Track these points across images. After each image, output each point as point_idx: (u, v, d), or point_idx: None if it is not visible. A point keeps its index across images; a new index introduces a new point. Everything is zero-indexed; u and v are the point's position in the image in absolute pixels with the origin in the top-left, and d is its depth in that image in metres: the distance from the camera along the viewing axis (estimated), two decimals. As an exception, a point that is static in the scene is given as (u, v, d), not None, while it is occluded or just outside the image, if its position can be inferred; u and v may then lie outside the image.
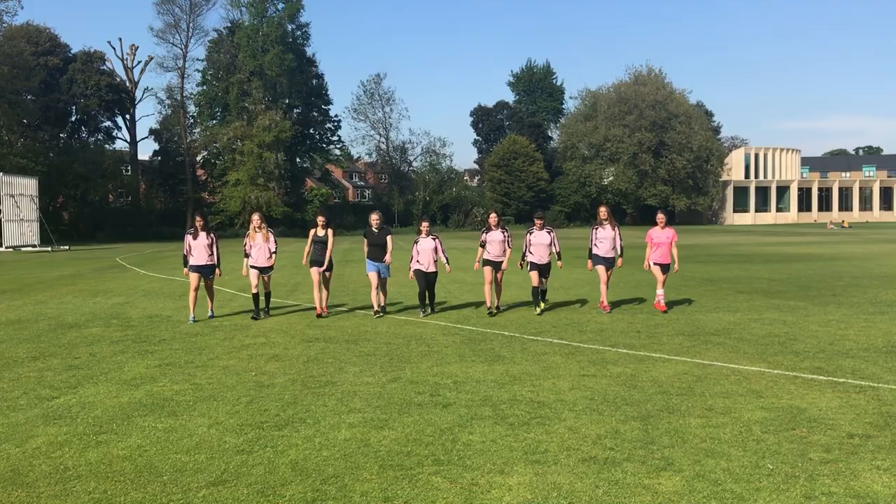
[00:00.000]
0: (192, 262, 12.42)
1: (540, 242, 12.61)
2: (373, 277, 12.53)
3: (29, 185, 45.14)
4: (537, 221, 12.93)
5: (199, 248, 12.41)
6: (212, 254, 12.50)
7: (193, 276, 12.39)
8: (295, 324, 11.81)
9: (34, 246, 43.66)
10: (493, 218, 12.95)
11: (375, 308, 12.52)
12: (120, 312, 13.53)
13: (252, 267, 12.46)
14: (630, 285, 16.34)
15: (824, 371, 7.79)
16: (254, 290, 12.36)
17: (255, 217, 12.74)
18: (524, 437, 5.69)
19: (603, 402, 6.72)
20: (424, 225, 13.01)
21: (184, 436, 5.88)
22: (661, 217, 12.88)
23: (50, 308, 14.39)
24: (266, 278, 12.57)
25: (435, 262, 12.68)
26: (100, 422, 6.34)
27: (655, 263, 12.76)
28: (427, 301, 12.70)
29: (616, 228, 12.74)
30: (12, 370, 8.53)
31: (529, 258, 12.71)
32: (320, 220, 12.80)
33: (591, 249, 12.81)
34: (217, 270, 12.71)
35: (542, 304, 12.62)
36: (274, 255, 12.61)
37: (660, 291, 12.63)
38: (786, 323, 11.04)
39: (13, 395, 7.30)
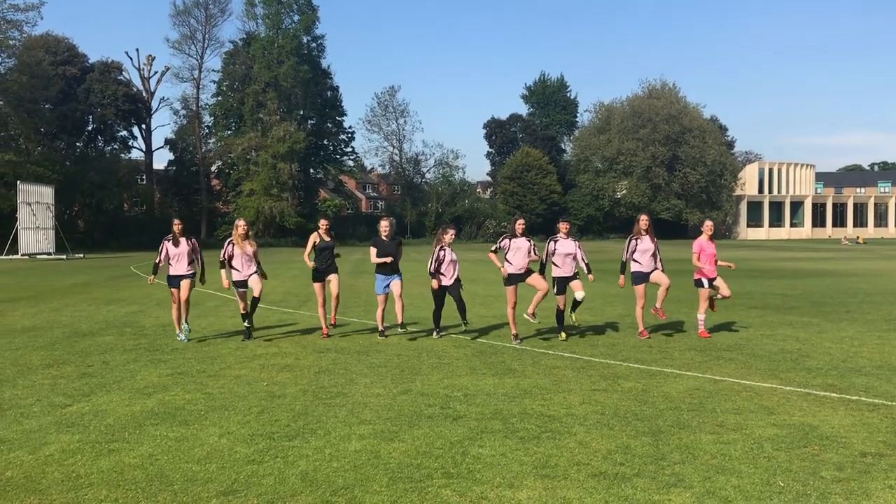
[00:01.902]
0: (172, 271, 11.23)
1: (567, 252, 10.93)
2: (381, 301, 11.27)
3: (45, 194, 45.56)
4: (563, 227, 11.13)
5: (179, 256, 11.19)
6: (193, 261, 11.29)
7: (175, 291, 11.18)
8: (306, 334, 11.84)
9: (49, 254, 44.02)
10: (520, 225, 11.02)
11: (380, 327, 11.24)
12: (133, 321, 13.61)
13: (238, 283, 11.10)
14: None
15: (837, 388, 7.74)
16: (242, 310, 11.22)
17: (241, 224, 11.33)
18: (534, 452, 5.68)
19: (614, 416, 6.70)
20: (450, 232, 11.38)
21: (195, 445, 5.91)
22: (709, 225, 11.51)
23: (64, 316, 14.49)
24: (254, 279, 11.14)
25: (458, 274, 11.30)
26: (112, 430, 6.38)
27: (708, 279, 11.27)
28: (444, 320, 11.52)
29: (656, 241, 11.22)
30: (26, 377, 8.60)
31: (555, 273, 10.99)
32: (323, 223, 11.65)
33: (623, 263, 11.22)
34: (200, 281, 11.47)
35: (573, 318, 11.24)
36: (258, 265, 11.26)
37: (701, 317, 11.33)
38: (798, 339, 10.98)
39: (27, 403, 7.36)
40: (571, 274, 11.00)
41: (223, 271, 11.05)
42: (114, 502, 4.71)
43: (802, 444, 5.86)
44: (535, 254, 10.89)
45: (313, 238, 11.52)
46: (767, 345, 10.55)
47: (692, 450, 5.71)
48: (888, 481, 4.99)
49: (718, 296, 11.54)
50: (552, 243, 11.00)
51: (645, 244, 11.09)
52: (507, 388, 7.88)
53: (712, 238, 11.53)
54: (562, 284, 10.97)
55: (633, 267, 11.11)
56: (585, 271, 11.14)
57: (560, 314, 11.11)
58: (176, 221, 11.32)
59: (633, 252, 11.11)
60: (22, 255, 42.02)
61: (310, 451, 5.74)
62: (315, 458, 5.57)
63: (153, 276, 11.56)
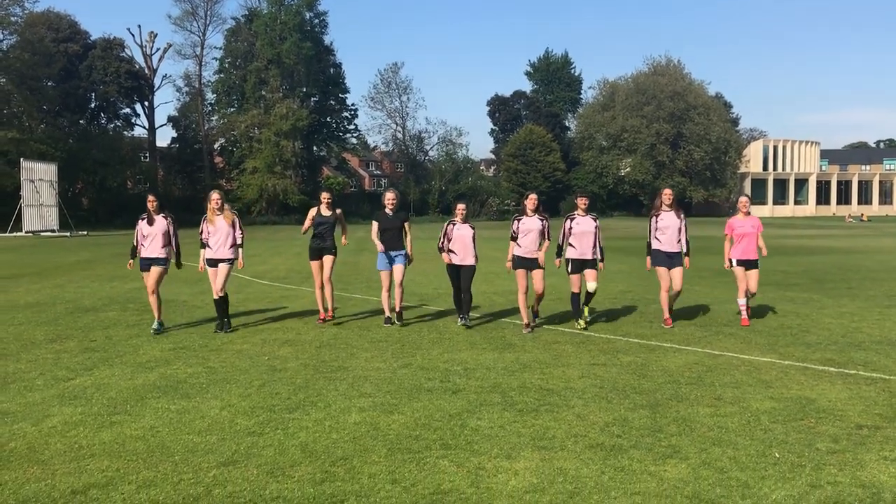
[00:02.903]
0: (144, 253, 10.04)
1: (585, 231, 9.90)
2: (384, 277, 10.32)
3: (48, 171, 45.55)
4: (581, 203, 10.09)
5: (153, 236, 9.99)
6: (168, 243, 10.09)
7: (147, 275, 10.07)
8: (308, 310, 11.88)
9: (53, 231, 44.11)
10: (531, 200, 9.93)
11: (387, 313, 10.31)
12: (136, 297, 13.67)
13: (210, 262, 9.98)
14: (641, 277, 16.27)
15: (835, 363, 7.77)
16: (218, 294, 9.92)
17: (214, 196, 10.13)
18: (532, 424, 5.73)
19: (612, 390, 6.74)
20: (459, 207, 10.43)
21: (196, 417, 5.97)
22: (744, 201, 10.51)
23: (67, 292, 14.56)
24: (226, 269, 9.98)
25: (472, 255, 10.21)
26: (114, 403, 6.44)
27: (739, 261, 10.29)
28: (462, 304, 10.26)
29: (683, 217, 10.15)
30: (30, 352, 8.66)
31: (571, 254, 10.01)
32: (325, 197, 10.50)
33: (649, 244, 10.18)
34: (176, 265, 10.31)
35: (586, 314, 10.15)
36: (240, 250, 10.18)
37: (741, 301, 10.23)
38: (799, 315, 10.99)
39: (30, 376, 7.42)
40: (590, 257, 9.94)
41: (202, 251, 10.04)
42: (115, 472, 4.77)
43: (799, 416, 5.89)
44: (547, 237, 9.92)
45: (312, 213, 10.53)
46: (768, 320, 10.57)
47: (689, 422, 5.75)
48: (883, 452, 5.03)
49: (744, 313, 10.27)
50: (569, 221, 10.06)
51: (666, 221, 10.07)
52: (507, 363, 7.92)
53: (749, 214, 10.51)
54: (576, 266, 9.97)
55: (654, 245, 10.12)
56: (598, 257, 10.03)
57: (575, 298, 10.06)
58: (150, 197, 10.16)
59: (656, 230, 10.13)
60: (26, 232, 42.12)
61: (310, 423, 5.79)
62: (315, 429, 5.62)
63: (132, 261, 10.32)
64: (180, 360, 8.14)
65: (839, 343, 8.85)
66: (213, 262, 9.97)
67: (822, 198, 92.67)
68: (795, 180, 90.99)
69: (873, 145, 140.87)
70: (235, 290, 14.16)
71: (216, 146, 70.88)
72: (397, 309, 10.38)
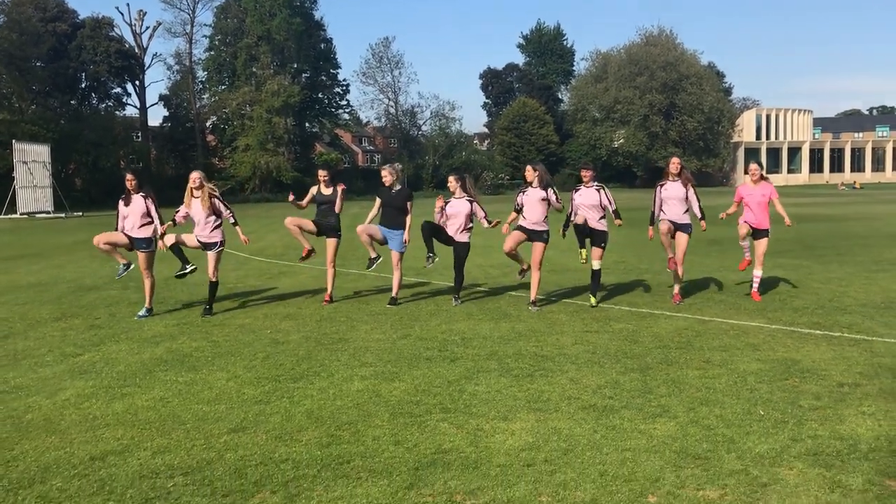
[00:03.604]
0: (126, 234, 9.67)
1: (587, 203, 9.56)
2: (372, 230, 10.00)
3: (41, 152, 45.40)
4: (584, 174, 9.79)
5: (132, 215, 9.55)
6: (150, 222, 9.61)
7: (139, 257, 9.70)
8: (308, 285, 12.08)
9: (48, 212, 44.08)
10: (531, 171, 9.72)
11: (372, 254, 10.23)
12: (136, 275, 13.73)
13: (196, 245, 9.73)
14: (635, 246, 16.50)
15: (821, 326, 8.02)
16: (212, 279, 9.72)
17: (194, 176, 9.59)
18: (527, 388, 5.97)
19: (604, 355, 6.98)
20: (449, 180, 10.22)
21: (204, 388, 6.19)
22: (755, 168, 10.19)
23: (68, 272, 14.72)
24: (211, 255, 9.67)
25: (468, 230, 9.95)
26: (123, 376, 6.65)
27: (748, 225, 10.02)
28: (434, 250, 10.01)
29: (691, 187, 9.76)
30: (37, 330, 8.86)
31: (576, 222, 9.64)
32: (322, 174, 10.19)
33: (653, 213, 9.95)
34: (160, 243, 9.67)
35: (593, 302, 9.65)
36: (238, 227, 9.97)
37: (757, 273, 9.93)
38: (788, 280, 11.24)
39: (40, 353, 7.63)
40: (597, 228, 9.57)
41: (166, 224, 9.59)
42: (130, 440, 4.99)
43: (784, 377, 6.14)
44: (556, 202, 9.57)
45: (312, 190, 10.34)
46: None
47: (678, 384, 5.99)
48: (861, 408, 5.28)
49: (746, 253, 10.21)
50: (574, 193, 9.78)
51: (671, 191, 9.70)
52: (503, 332, 8.15)
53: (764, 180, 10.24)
54: (582, 238, 9.64)
55: (661, 216, 9.83)
56: (614, 217, 9.70)
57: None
58: (128, 176, 9.64)
59: (661, 201, 9.81)
60: (21, 214, 42.09)
61: (314, 391, 6.02)
62: (319, 397, 5.85)
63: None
64: (185, 335, 8.34)
65: (826, 307, 9.10)
66: (199, 247, 9.72)
67: (816, 166, 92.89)
68: (788, 149, 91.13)
69: (866, 112, 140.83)
70: (233, 268, 14.36)
71: (208, 124, 70.59)
72: (394, 292, 10.08)
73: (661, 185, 9.85)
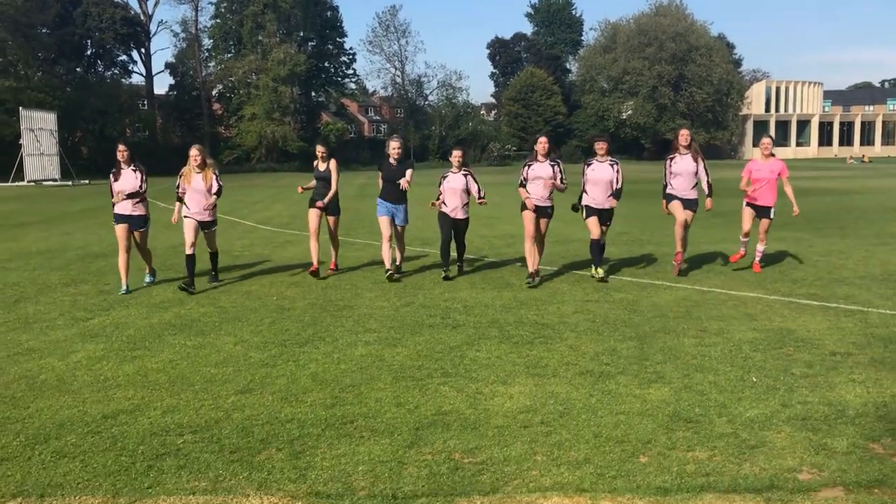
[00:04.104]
0: (117, 209, 9.27)
1: (601, 178, 9.26)
2: (384, 224, 9.73)
3: (48, 120, 45.44)
4: (599, 147, 9.44)
5: (123, 188, 9.22)
6: (142, 199, 9.36)
7: (119, 231, 9.27)
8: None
9: (55, 180, 44.24)
10: (541, 144, 9.32)
11: (388, 265, 9.63)
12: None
13: (187, 217, 9.25)
14: (638, 218, 16.57)
15: (818, 297, 8.13)
16: (188, 250, 9.12)
17: (193, 152, 9.22)
18: (527, 354, 6.11)
19: (603, 324, 7.12)
20: (454, 154, 9.89)
21: (212, 352, 6.35)
22: (766, 143, 9.99)
23: (76, 239, 14.89)
24: (209, 234, 9.52)
25: (465, 206, 9.72)
26: (133, 339, 6.83)
27: (750, 205, 9.77)
28: (452, 258, 9.89)
29: (701, 160, 9.44)
30: (47, 295, 9.04)
31: (586, 200, 9.42)
32: (320, 150, 10.01)
33: (665, 186, 9.70)
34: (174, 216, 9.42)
35: (602, 268, 9.38)
36: (215, 198, 9.26)
37: (760, 247, 9.81)
38: (789, 253, 11.33)
39: (51, 317, 7.80)
40: (606, 206, 9.34)
41: (177, 204, 9.34)
42: (140, 400, 5.16)
43: (779, 346, 6.27)
44: (560, 182, 9.23)
45: (315, 166, 10.13)
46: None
47: (675, 351, 6.13)
48: (851, 375, 5.41)
49: (742, 248, 9.95)
50: (586, 168, 9.46)
51: (680, 165, 9.42)
52: (505, 300, 8.29)
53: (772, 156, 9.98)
54: (593, 214, 9.36)
55: (669, 190, 9.61)
56: (616, 196, 9.34)
57: (595, 245, 9.41)
58: (120, 147, 9.33)
59: (670, 174, 9.55)
60: (28, 181, 42.27)
61: (319, 355, 6.18)
62: (324, 361, 6.01)
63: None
64: (192, 301, 8.51)
65: (824, 279, 9.20)
66: (191, 219, 9.23)
67: (825, 139, 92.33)
68: (798, 122, 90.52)
69: (878, 85, 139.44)
70: (239, 237, 14.51)
71: (214, 93, 70.41)
72: (398, 261, 10.11)
73: (671, 159, 9.52)
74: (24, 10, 52.01)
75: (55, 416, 4.87)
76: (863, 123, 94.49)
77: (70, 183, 43.05)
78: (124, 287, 9.16)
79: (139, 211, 9.37)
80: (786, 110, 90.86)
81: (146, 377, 5.69)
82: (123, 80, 67.00)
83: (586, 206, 9.42)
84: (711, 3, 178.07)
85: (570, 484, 3.80)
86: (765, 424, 4.54)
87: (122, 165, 9.27)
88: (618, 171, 9.30)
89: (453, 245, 9.93)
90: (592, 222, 9.33)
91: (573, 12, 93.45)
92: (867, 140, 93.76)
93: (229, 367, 5.89)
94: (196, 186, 9.15)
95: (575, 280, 9.49)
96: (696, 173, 9.41)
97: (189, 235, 9.14)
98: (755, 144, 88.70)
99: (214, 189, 9.20)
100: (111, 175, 9.40)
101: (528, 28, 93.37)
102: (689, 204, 9.45)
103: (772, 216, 9.79)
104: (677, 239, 9.53)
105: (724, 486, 3.76)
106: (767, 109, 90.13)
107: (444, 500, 3.66)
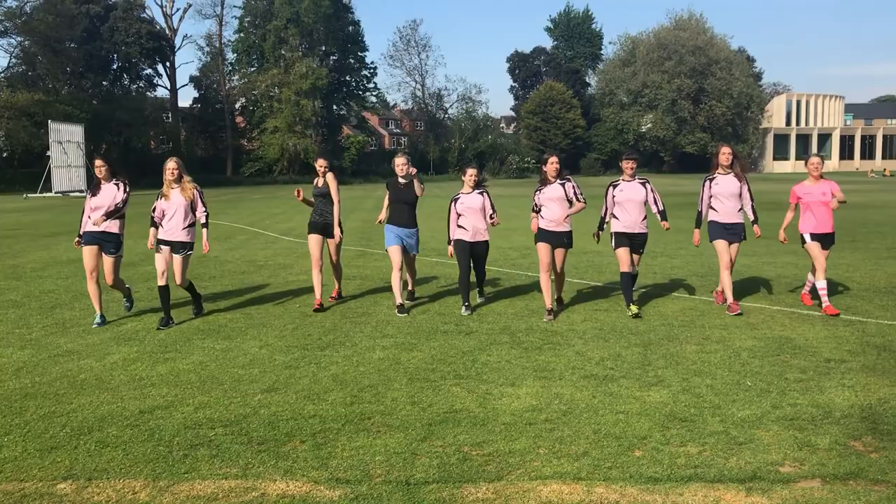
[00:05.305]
0: (90, 226, 8.15)
1: (633, 199, 8.25)
2: (395, 254, 8.60)
3: (76, 133, 46.50)
4: (627, 166, 8.37)
5: (102, 205, 8.09)
6: (120, 216, 8.22)
7: (88, 253, 8.13)
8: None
9: (82, 191, 45.10)
10: (552, 166, 8.23)
11: (398, 300, 8.51)
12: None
13: (162, 242, 8.08)
14: (654, 232, 16.76)
15: (820, 308, 8.39)
16: (161, 281, 8.04)
17: (170, 164, 8.19)
18: (535, 359, 6.46)
19: (610, 331, 7.45)
20: (469, 172, 8.72)
21: (239, 354, 6.76)
22: (816, 162, 8.51)
23: (106, 248, 15.38)
24: (181, 260, 8.13)
25: (485, 229, 8.67)
26: (164, 343, 7.25)
27: (814, 235, 8.43)
28: (472, 286, 8.96)
29: (746, 182, 8.37)
30: (81, 301, 9.49)
31: (617, 227, 8.34)
32: (321, 164, 9.05)
33: (700, 213, 8.58)
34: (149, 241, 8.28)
35: (634, 307, 8.14)
36: (205, 231, 8.29)
37: (821, 284, 8.25)
38: (797, 266, 11.59)
39: (86, 322, 8.25)
40: (638, 230, 8.30)
41: (152, 230, 8.18)
42: (174, 397, 5.56)
43: (776, 353, 6.57)
44: (577, 199, 8.24)
45: (315, 182, 9.17)
46: (766, 271, 11.18)
47: (676, 357, 6.45)
48: (843, 381, 5.71)
49: (808, 282, 8.82)
50: (612, 188, 8.43)
51: (725, 185, 8.32)
52: (517, 309, 8.64)
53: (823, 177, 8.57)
54: (625, 242, 8.31)
55: (710, 216, 8.44)
56: (659, 218, 8.40)
57: (626, 278, 8.34)
58: (98, 162, 8.31)
59: (710, 197, 8.43)
60: (55, 192, 43.24)
61: (339, 358, 6.56)
62: (344, 364, 6.39)
63: (79, 238, 8.34)
64: (219, 308, 8.93)
65: (828, 290, 9.43)
66: (165, 244, 8.12)
67: (846, 153, 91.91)
68: (819, 135, 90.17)
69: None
70: (262, 247, 14.95)
71: (237, 106, 71.49)
72: (410, 286, 9.33)
73: (711, 180, 8.43)
74: (53, 25, 53.34)
75: (96, 411, 5.28)
76: (885, 137, 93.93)
77: (96, 194, 43.87)
78: (98, 317, 8.12)
79: (113, 228, 8.16)
80: (807, 124, 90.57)
81: (178, 377, 6.10)
82: (148, 93, 68.25)
83: (616, 233, 8.33)
84: (731, 17, 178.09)
85: (569, 473, 4.14)
86: (755, 424, 4.86)
87: (102, 182, 8.22)
88: (653, 191, 8.40)
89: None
90: (623, 253, 8.26)
91: (593, 26, 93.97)
92: (889, 154, 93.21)
93: (255, 369, 6.28)
94: (174, 202, 8.09)
95: (587, 292, 9.82)
96: (741, 195, 8.37)
97: (161, 265, 8.06)
98: (775, 158, 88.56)
99: (201, 216, 8.23)
100: (87, 192, 8.44)
101: (547, 42, 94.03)
102: (734, 230, 8.34)
103: (834, 242, 8.75)
104: (726, 288, 8.33)
105: (711, 476, 4.08)
106: (788, 123, 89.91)
107: (453, 486, 4.01)
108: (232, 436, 4.78)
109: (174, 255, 8.12)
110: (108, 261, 8.23)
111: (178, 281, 8.22)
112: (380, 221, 9.12)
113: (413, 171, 8.96)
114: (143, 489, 4.05)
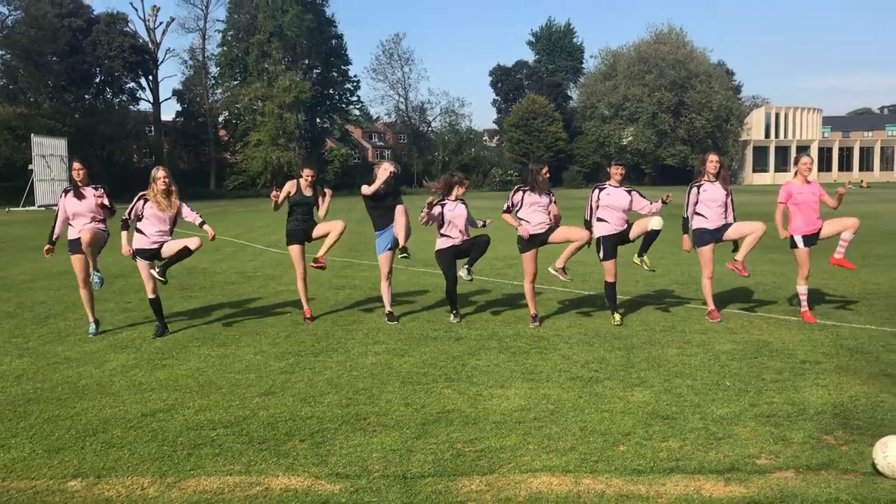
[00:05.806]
0: (74, 234, 8.08)
1: (618, 205, 8.25)
2: (384, 263, 8.70)
3: (59, 146, 46.31)
4: (616, 171, 8.35)
5: (84, 211, 8.00)
6: (104, 218, 8.18)
7: (77, 262, 8.16)
8: (322, 274, 12.78)
9: (64, 205, 45.02)
10: (545, 174, 8.40)
11: (388, 308, 8.71)
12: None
13: (142, 252, 7.96)
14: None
15: (797, 313, 8.69)
16: (150, 294, 8.09)
17: (162, 173, 7.95)
18: (523, 363, 6.69)
19: (595, 336, 7.70)
20: (460, 188, 8.85)
21: (235, 360, 6.94)
22: (807, 161, 8.66)
23: (94, 261, 15.48)
24: (168, 245, 8.01)
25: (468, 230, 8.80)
26: (161, 350, 7.42)
27: (806, 237, 8.68)
28: (457, 307, 8.83)
29: (729, 190, 8.51)
30: (75, 312, 9.62)
31: (602, 230, 8.28)
32: (307, 174, 8.71)
33: (686, 219, 8.57)
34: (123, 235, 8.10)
35: (647, 260, 8.47)
36: (206, 226, 8.21)
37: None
38: (775, 274, 11.92)
39: (82, 331, 8.39)
40: (625, 231, 8.36)
41: (124, 234, 8.04)
42: (174, 401, 5.74)
43: (754, 355, 6.84)
44: (555, 209, 8.43)
45: (288, 188, 8.77)
46: (746, 279, 11.46)
47: (658, 360, 6.70)
48: (817, 381, 5.98)
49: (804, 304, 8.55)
50: (597, 192, 8.36)
51: (712, 192, 8.35)
52: (504, 316, 8.88)
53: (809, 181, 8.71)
54: (610, 245, 8.27)
55: (697, 223, 8.46)
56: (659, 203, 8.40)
57: (610, 288, 8.37)
58: (75, 165, 8.12)
59: (696, 203, 8.44)
60: (38, 206, 43.05)
61: (333, 364, 6.76)
62: (338, 369, 6.59)
63: (50, 246, 8.31)
64: (212, 317, 9.10)
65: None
66: (149, 254, 7.98)
67: (824, 164, 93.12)
68: (797, 147, 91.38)
69: (877, 111, 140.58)
70: (250, 259, 15.11)
71: (220, 119, 71.52)
72: (402, 244, 8.61)
73: (699, 186, 8.40)
74: (35, 38, 53.21)
75: (99, 415, 5.44)
76: (861, 149, 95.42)
77: (79, 208, 43.73)
78: (93, 326, 8.20)
79: (101, 226, 8.18)
80: (785, 136, 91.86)
81: (177, 382, 6.27)
82: (131, 106, 68.12)
83: (602, 237, 8.29)
84: (711, 30, 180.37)
85: (557, 467, 4.37)
86: (733, 420, 5.11)
87: (81, 185, 8.04)
88: (641, 196, 8.50)
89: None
90: (610, 266, 8.28)
91: (574, 40, 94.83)
92: (866, 165, 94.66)
93: (252, 374, 6.47)
94: (165, 213, 7.97)
95: (571, 298, 10.08)
96: (727, 205, 8.44)
97: (147, 278, 8.01)
98: (755, 170, 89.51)
99: (196, 219, 8.19)
100: (66, 195, 8.12)
101: (529, 56, 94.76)
102: (723, 229, 8.44)
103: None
104: (707, 297, 8.49)
105: (692, 468, 4.32)
106: (767, 135, 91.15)
107: (447, 480, 4.23)
108: (233, 436, 4.96)
109: (155, 260, 7.96)
110: (96, 232, 7.99)
111: (149, 289, 8.06)
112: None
113: (328, 191, 8.92)
114: (151, 485, 4.23)
